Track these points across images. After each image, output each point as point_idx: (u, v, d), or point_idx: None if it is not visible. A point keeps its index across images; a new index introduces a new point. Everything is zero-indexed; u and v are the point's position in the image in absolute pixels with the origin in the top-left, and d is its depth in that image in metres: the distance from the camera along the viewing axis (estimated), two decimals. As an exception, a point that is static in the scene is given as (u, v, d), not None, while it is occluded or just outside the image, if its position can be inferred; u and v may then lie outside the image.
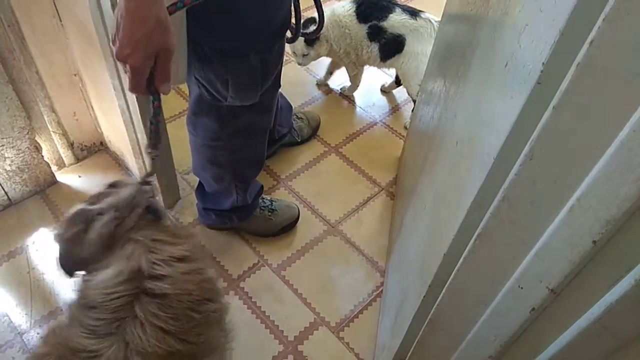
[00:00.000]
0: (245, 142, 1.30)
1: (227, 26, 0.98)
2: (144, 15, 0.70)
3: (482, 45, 0.77)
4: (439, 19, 1.67)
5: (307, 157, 1.79)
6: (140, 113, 1.30)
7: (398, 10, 1.70)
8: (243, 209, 1.47)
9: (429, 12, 1.75)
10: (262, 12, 1.01)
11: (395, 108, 2.01)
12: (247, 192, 1.42)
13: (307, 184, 1.71)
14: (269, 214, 1.53)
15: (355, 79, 1.98)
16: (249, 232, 1.55)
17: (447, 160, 0.84)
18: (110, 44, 0.76)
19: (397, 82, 1.99)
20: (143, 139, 1.38)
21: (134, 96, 1.27)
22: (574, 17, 0.41)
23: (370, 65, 1.87)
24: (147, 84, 0.78)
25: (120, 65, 1.15)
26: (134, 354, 0.69)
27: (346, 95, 2.03)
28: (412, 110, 1.80)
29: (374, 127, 1.93)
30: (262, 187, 1.52)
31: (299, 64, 1.86)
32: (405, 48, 1.70)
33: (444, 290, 0.68)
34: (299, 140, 1.81)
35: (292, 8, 1.15)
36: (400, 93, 2.07)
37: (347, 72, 1.96)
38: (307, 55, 1.80)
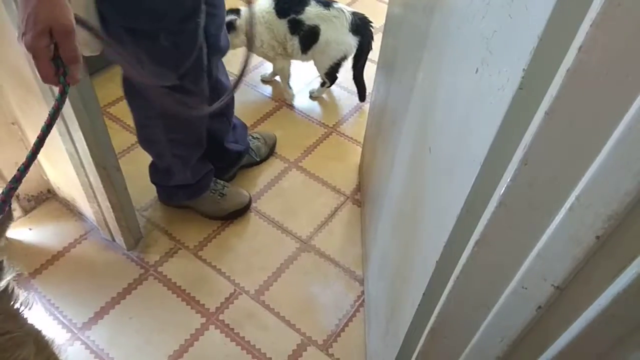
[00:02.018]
0: (177, 123, 1.33)
1: (134, 6, 1.02)
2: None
3: (440, 48, 0.78)
4: (351, 9, 1.83)
5: (269, 176, 1.77)
6: (91, 155, 1.23)
7: (312, 2, 1.81)
8: (189, 188, 1.54)
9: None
10: None
11: (347, 115, 2.02)
12: (187, 171, 1.46)
13: (273, 203, 1.68)
14: (219, 197, 1.59)
15: (282, 72, 1.99)
16: (198, 212, 1.61)
17: (422, 167, 0.84)
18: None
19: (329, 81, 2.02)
20: (96, 182, 1.31)
21: (82, 139, 1.20)
22: (553, 23, 0.42)
23: (295, 58, 1.93)
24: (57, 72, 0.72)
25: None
26: None
27: (290, 104, 2.03)
28: (322, 85, 2.02)
29: (329, 137, 1.93)
30: (212, 169, 1.57)
31: None
32: (320, 37, 1.81)
33: (443, 299, 0.68)
34: (258, 160, 1.79)
35: None
36: (345, 99, 2.08)
37: (274, 66, 2.02)
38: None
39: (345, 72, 2.05)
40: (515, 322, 0.59)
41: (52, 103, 1.14)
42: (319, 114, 2.02)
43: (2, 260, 0.81)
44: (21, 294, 0.82)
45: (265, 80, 2.13)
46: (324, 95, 2.10)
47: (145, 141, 1.44)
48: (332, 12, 1.80)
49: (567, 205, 0.46)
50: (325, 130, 1.96)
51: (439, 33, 0.79)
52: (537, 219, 0.50)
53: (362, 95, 2.04)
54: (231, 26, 1.79)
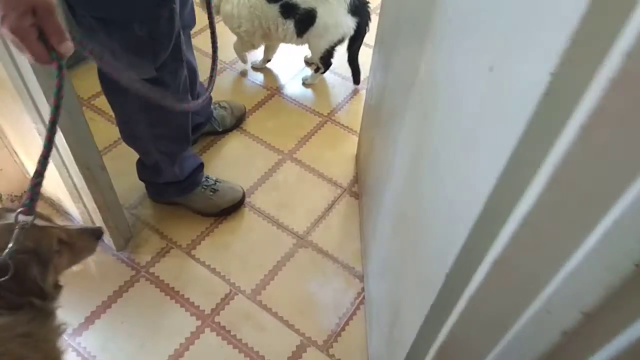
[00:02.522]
0: (160, 117, 1.27)
1: None
2: None
3: (445, 38, 0.72)
4: None
5: (263, 169, 1.70)
6: (73, 155, 1.16)
7: None
8: (179, 184, 1.48)
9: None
10: None
11: (342, 103, 1.95)
12: (174, 166, 1.41)
13: (267, 197, 1.62)
14: (211, 193, 1.53)
15: (240, 51, 1.96)
16: (190, 209, 1.55)
17: (425, 169, 0.78)
18: None
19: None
20: (80, 182, 1.24)
21: (62, 138, 1.13)
22: (591, 21, 0.36)
23: (287, 42, 1.85)
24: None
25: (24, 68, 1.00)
26: None
27: (281, 92, 1.95)
28: (315, 71, 1.98)
29: (324, 126, 1.86)
30: (201, 164, 1.53)
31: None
32: (317, 20, 1.73)
33: (455, 315, 0.63)
34: (220, 130, 1.77)
35: None
36: (339, 85, 2.01)
37: (235, 45, 1.96)
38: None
39: (339, 57, 1.97)
40: (537, 345, 0.54)
41: (29, 102, 1.08)
42: (312, 102, 1.95)
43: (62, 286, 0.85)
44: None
45: (256, 68, 2.05)
46: (319, 82, 2.02)
47: (129, 137, 1.37)
48: None
49: (602, 227, 0.41)
50: (320, 119, 1.89)
51: (445, 21, 0.72)
52: (566, 242, 0.44)
53: (356, 78, 1.97)
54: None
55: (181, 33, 1.15)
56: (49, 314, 0.84)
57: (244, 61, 2.02)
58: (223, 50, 2.10)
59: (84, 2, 0.98)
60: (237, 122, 1.82)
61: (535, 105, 0.43)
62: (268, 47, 1.99)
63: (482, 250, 0.56)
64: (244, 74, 2.04)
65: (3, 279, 0.69)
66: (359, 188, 1.66)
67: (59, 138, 1.14)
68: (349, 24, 1.77)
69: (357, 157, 1.75)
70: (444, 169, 0.70)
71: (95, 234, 0.95)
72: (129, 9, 1.00)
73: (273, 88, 1.98)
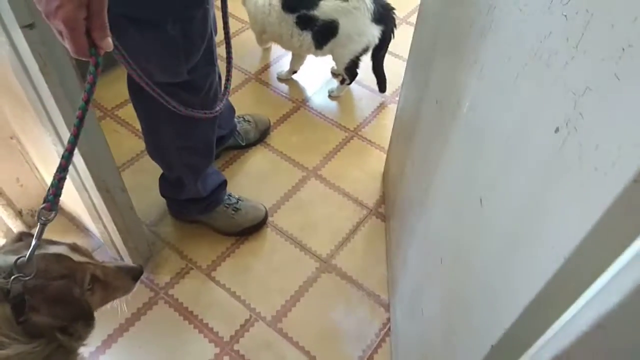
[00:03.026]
0: (185, 128, 1.23)
1: None
2: None
3: (496, 81, 0.65)
4: None
5: (286, 186, 1.65)
6: (92, 177, 1.13)
7: None
8: (201, 202, 1.44)
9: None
10: None
11: (369, 117, 1.89)
12: (197, 183, 1.36)
13: (291, 217, 1.57)
14: (233, 212, 1.49)
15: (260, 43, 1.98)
16: (211, 228, 1.51)
17: (471, 217, 0.71)
18: (37, 5, 0.67)
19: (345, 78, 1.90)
20: (100, 204, 1.21)
21: (82, 161, 1.09)
22: None
23: (305, 53, 1.83)
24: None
25: (54, 40, 0.97)
26: None
27: (308, 105, 1.90)
28: (341, 82, 1.91)
29: (350, 142, 1.80)
30: (225, 181, 1.48)
31: None
32: (340, 31, 1.68)
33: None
34: (244, 144, 1.72)
35: None
36: (367, 98, 1.94)
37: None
38: None
39: (366, 69, 1.91)
40: None
41: (49, 125, 1.05)
42: (338, 116, 1.88)
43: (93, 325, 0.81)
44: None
45: (281, 79, 2.00)
46: (344, 95, 1.96)
47: (154, 149, 1.34)
48: (352, 4, 1.65)
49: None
50: (346, 134, 1.82)
51: (495, 62, 0.65)
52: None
53: (382, 87, 1.91)
54: None
55: (213, 35, 1.11)
56: (70, 352, 0.78)
57: (281, 77, 2.00)
58: (248, 60, 2.06)
59: (117, 1, 0.94)
60: (262, 136, 1.77)
61: (621, 190, 0.36)
62: (295, 58, 1.94)
63: (536, 328, 0.49)
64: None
65: (27, 278, 0.68)
66: (386, 209, 1.59)
67: (78, 160, 1.11)
68: (374, 32, 1.70)
69: (385, 176, 1.68)
70: (493, 223, 0.63)
71: (133, 274, 0.91)
72: (163, 8, 0.97)
73: (299, 100, 1.93)
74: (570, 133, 0.44)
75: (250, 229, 1.50)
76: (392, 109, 1.88)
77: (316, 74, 2.03)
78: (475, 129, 0.71)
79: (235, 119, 1.71)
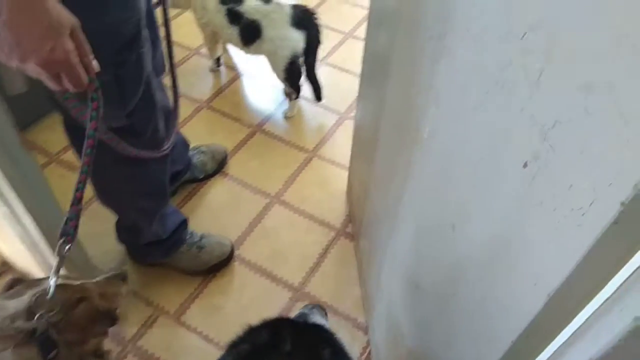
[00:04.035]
0: (133, 170, 1.17)
1: None
2: (43, 5, 0.62)
3: (453, 109, 0.64)
4: (291, 2, 1.74)
5: (250, 215, 1.61)
6: (44, 236, 1.06)
7: None
8: (162, 244, 1.38)
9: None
10: (99, 24, 0.85)
11: (327, 136, 1.87)
12: (154, 225, 1.30)
13: (258, 248, 1.52)
14: (197, 250, 1.43)
15: (211, 52, 1.99)
16: (178, 269, 1.44)
17: (445, 244, 0.70)
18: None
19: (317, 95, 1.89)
20: (53, 260, 1.13)
21: (29, 216, 1.02)
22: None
23: (236, 46, 1.85)
24: None
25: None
26: None
27: (265, 130, 1.87)
28: (290, 99, 1.88)
29: (310, 163, 1.78)
30: (185, 220, 1.42)
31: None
32: (263, 34, 1.72)
33: None
34: (201, 177, 1.67)
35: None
36: (322, 116, 1.93)
37: (205, 42, 1.97)
38: None
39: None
40: None
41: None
42: (296, 137, 1.86)
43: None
44: None
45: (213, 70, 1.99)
46: (299, 115, 1.94)
47: (103, 195, 1.26)
48: (271, 7, 1.70)
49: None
50: (306, 154, 1.80)
51: (452, 90, 0.64)
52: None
53: (317, 95, 1.88)
54: None
55: (152, 76, 1.06)
56: None
57: (212, 56, 2.03)
58: (198, 88, 2.01)
59: None
60: (219, 166, 1.72)
61: (599, 233, 0.35)
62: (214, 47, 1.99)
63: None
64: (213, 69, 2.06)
65: (52, 313, 0.70)
66: (353, 229, 1.57)
67: (24, 215, 1.04)
68: (295, 37, 1.71)
69: (348, 195, 1.66)
70: (468, 254, 0.62)
71: (121, 277, 0.92)
72: (94, 52, 0.91)
73: (254, 125, 1.89)
74: (541, 169, 0.43)
75: (217, 265, 1.45)
76: (348, 125, 1.87)
77: (269, 96, 2.00)
78: (440, 155, 0.70)
79: (190, 152, 1.66)
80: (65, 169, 1.69)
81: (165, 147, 1.14)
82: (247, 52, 1.82)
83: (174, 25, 1.78)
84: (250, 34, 1.73)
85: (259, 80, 2.02)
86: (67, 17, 0.66)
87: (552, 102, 0.40)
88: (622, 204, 0.33)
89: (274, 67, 1.78)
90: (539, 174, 0.43)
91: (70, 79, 0.68)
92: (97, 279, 0.87)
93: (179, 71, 2.07)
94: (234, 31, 1.75)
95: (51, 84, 0.69)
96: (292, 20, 1.69)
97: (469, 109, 0.58)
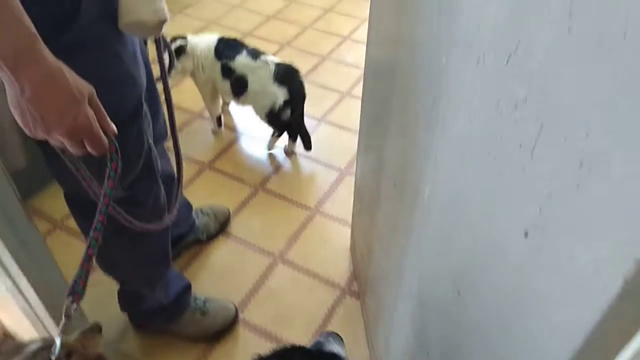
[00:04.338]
0: (132, 240, 1.15)
1: None
2: (62, 77, 0.65)
3: (451, 177, 0.65)
4: (276, 60, 1.87)
5: (254, 277, 1.59)
6: (46, 309, 1.05)
7: (244, 52, 1.87)
8: (165, 311, 1.35)
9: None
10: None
11: (328, 192, 1.88)
12: (155, 292, 1.29)
13: (262, 310, 1.50)
14: (201, 316, 1.41)
15: (210, 110, 2.08)
16: (182, 336, 1.41)
17: (449, 309, 0.69)
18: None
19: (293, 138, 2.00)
20: (55, 333, 1.11)
21: (31, 289, 1.02)
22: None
23: (227, 99, 2.03)
24: None
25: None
26: None
27: (266, 188, 1.88)
28: (272, 135, 1.99)
29: (313, 220, 1.78)
30: (188, 285, 1.40)
31: None
32: (249, 86, 1.87)
33: None
34: (204, 238, 1.67)
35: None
36: (323, 173, 1.95)
37: (205, 102, 2.07)
38: (175, 69, 1.85)
39: (317, 143, 1.96)
40: None
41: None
42: (298, 195, 1.87)
43: None
44: None
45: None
46: (300, 172, 1.96)
47: (104, 264, 1.25)
48: (257, 64, 1.85)
49: None
50: (308, 212, 1.81)
51: (449, 155, 0.65)
52: None
53: (307, 144, 1.96)
54: (182, 50, 1.86)
55: (152, 148, 1.08)
56: None
57: (213, 116, 2.11)
58: (200, 150, 2.04)
59: None
60: (222, 227, 1.72)
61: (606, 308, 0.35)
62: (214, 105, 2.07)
63: None
64: (215, 132, 2.12)
65: None
66: (359, 287, 1.55)
67: (27, 288, 1.03)
68: (276, 92, 1.84)
69: (352, 251, 1.65)
70: (477, 320, 0.61)
71: (98, 329, 0.92)
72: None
73: (256, 184, 1.91)
74: (541, 239, 0.43)
75: (221, 331, 1.42)
76: (349, 181, 1.88)
77: (270, 156, 2.03)
78: (441, 218, 0.71)
79: (193, 214, 1.66)
80: (71, 236, 1.69)
81: (170, 217, 1.14)
82: (237, 103, 1.96)
83: (175, 91, 1.85)
84: (239, 87, 1.89)
85: (259, 141, 2.06)
86: (84, 85, 0.69)
87: (546, 175, 0.41)
88: (625, 280, 0.33)
89: (257, 112, 1.93)
90: (541, 243, 0.43)
91: (92, 143, 0.70)
92: (74, 335, 0.87)
93: (182, 134, 2.12)
94: (226, 85, 1.90)
95: (75, 151, 0.71)
96: (275, 77, 1.84)
97: (467, 174, 0.59)
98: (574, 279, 0.39)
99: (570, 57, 0.38)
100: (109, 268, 1.26)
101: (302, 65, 2.10)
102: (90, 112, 0.69)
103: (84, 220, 1.14)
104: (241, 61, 1.86)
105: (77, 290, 0.72)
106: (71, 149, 0.71)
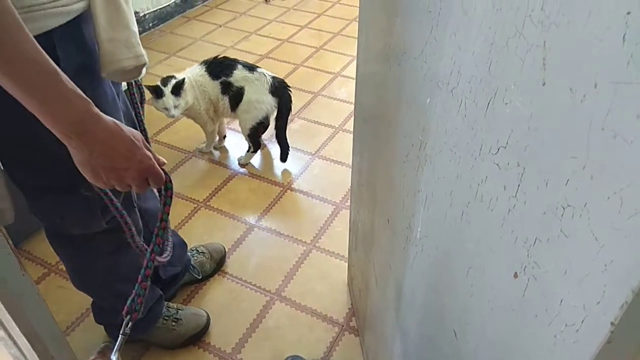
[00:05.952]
0: (113, 263, 1.21)
1: (42, 161, 0.93)
2: (118, 128, 0.70)
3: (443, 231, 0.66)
4: (272, 74, 2.04)
5: (251, 315, 1.57)
6: (39, 356, 1.03)
7: (240, 66, 2.03)
8: (140, 323, 1.31)
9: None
10: None
11: (324, 227, 1.88)
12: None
13: (261, 351, 1.48)
14: (173, 323, 1.46)
15: (212, 135, 2.19)
16: (154, 344, 1.46)
17: (446, 348, 0.69)
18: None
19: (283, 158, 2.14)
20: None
21: (26, 341, 1.00)
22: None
23: (224, 116, 2.16)
24: None
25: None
26: None
27: (260, 227, 1.88)
28: (248, 151, 2.15)
29: (309, 256, 1.77)
30: (161, 295, 1.42)
31: (172, 116, 1.95)
32: (244, 97, 2.01)
33: None
34: (200, 277, 1.67)
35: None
36: (319, 207, 1.95)
37: (205, 131, 2.16)
38: (178, 105, 1.93)
39: (311, 178, 1.97)
40: None
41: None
42: (293, 230, 1.87)
43: None
44: None
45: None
46: (296, 208, 1.96)
47: (83, 286, 1.28)
48: (255, 75, 2.01)
49: None
50: (304, 247, 1.80)
51: (438, 195, 0.66)
52: None
53: (283, 156, 2.12)
54: (180, 85, 1.92)
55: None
56: None
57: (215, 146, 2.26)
58: (194, 189, 2.05)
59: (25, 172, 0.95)
60: (218, 265, 1.71)
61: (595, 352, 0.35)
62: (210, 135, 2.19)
63: None
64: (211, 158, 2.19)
65: None
66: (357, 322, 1.54)
67: (25, 343, 1.01)
68: (271, 102, 2.01)
69: (350, 286, 1.64)
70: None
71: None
72: (75, 174, 0.93)
73: (250, 222, 1.91)
74: (530, 281, 0.44)
75: (193, 337, 1.47)
76: (344, 215, 1.89)
77: (264, 192, 2.04)
78: (433, 258, 0.71)
79: (188, 253, 1.66)
80: (64, 279, 1.68)
81: (166, 254, 1.14)
82: (232, 117, 2.10)
83: (169, 132, 1.86)
84: (236, 99, 2.02)
85: (254, 178, 2.07)
86: (135, 131, 0.74)
87: (530, 220, 0.42)
88: (612, 324, 0.33)
89: (244, 123, 2.05)
90: (530, 286, 0.44)
91: (155, 178, 0.76)
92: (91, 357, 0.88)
93: (176, 173, 2.13)
94: (225, 100, 2.03)
95: (140, 189, 0.76)
96: (270, 88, 2.01)
97: (456, 217, 0.60)
98: (564, 322, 0.39)
99: (545, 105, 0.39)
100: (86, 289, 1.28)
101: (295, 102, 2.14)
102: (148, 152, 0.74)
103: (64, 250, 1.18)
104: (239, 75, 2.01)
105: (135, 309, 0.79)
106: (138, 188, 0.76)
